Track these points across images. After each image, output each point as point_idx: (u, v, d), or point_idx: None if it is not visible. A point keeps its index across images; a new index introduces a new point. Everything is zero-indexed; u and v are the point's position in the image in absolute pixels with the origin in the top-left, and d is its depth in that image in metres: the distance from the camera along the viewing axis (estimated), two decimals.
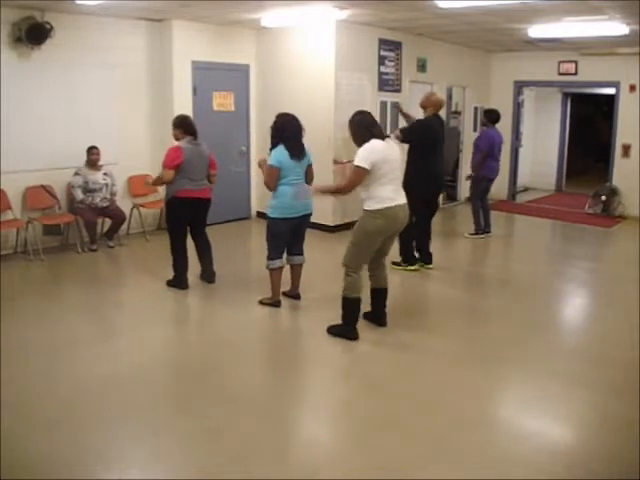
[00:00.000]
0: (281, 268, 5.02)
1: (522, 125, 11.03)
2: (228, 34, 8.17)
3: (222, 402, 3.59)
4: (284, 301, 5.18)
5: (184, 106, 7.84)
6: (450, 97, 10.34)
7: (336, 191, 4.67)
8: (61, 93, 6.99)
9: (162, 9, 6.93)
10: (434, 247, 6.32)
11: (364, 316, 4.66)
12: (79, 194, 6.89)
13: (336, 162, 7.57)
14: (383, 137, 4.26)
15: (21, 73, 6.65)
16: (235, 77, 8.45)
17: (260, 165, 5.05)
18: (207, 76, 8.02)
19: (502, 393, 3.79)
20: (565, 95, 12.21)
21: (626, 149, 9.67)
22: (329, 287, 5.14)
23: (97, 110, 7.29)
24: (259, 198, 8.94)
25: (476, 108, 10.70)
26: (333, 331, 4.45)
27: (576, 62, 9.94)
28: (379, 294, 4.61)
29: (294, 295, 5.24)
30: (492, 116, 7.81)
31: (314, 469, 2.94)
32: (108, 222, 7.25)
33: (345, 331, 4.38)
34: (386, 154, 4.17)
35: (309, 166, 4.99)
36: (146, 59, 7.73)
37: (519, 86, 10.81)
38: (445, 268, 6.28)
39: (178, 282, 5.53)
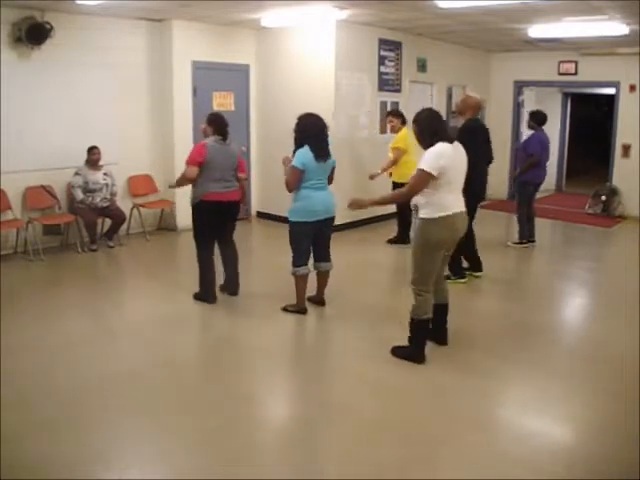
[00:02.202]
0: (306, 275, 4.86)
1: (522, 125, 11.03)
2: (228, 34, 8.17)
3: (223, 402, 3.59)
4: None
5: (184, 106, 7.86)
6: (450, 97, 10.35)
7: (391, 201, 4.08)
8: (61, 93, 6.99)
9: (162, 9, 6.93)
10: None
11: None
12: (79, 194, 6.89)
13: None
14: (451, 140, 3.89)
15: (21, 73, 6.65)
16: (235, 77, 8.45)
17: (284, 162, 4.81)
18: (207, 76, 8.02)
19: (502, 393, 3.78)
20: (565, 95, 12.21)
21: (626, 149, 9.68)
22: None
23: (97, 110, 7.29)
24: (259, 198, 8.95)
25: None
26: (399, 353, 4.09)
27: (576, 62, 9.95)
28: (440, 310, 4.22)
29: (319, 301, 5.09)
30: (539, 118, 7.38)
31: (315, 469, 2.94)
32: (108, 222, 7.24)
33: (412, 354, 4.02)
34: (453, 160, 3.84)
35: (332, 168, 4.82)
36: (146, 59, 7.74)
37: (519, 86, 10.82)
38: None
39: (205, 296, 5.16)
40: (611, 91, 10.01)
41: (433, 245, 3.88)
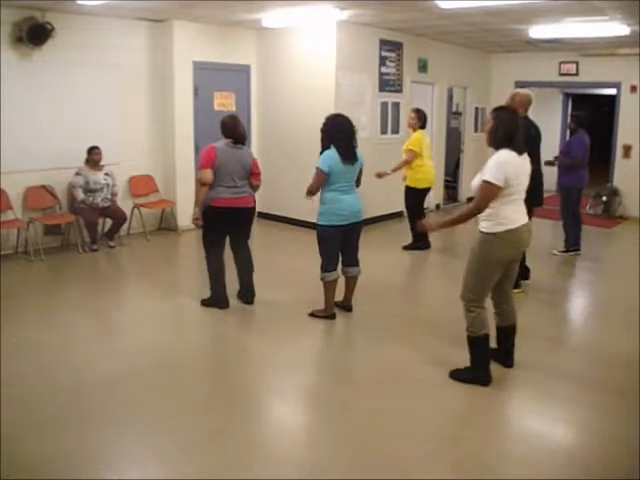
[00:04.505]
0: (336, 280, 4.76)
1: None
2: (229, 34, 8.18)
3: (223, 403, 3.59)
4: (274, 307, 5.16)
5: (185, 106, 7.87)
6: (451, 98, 10.36)
7: (461, 220, 3.65)
8: (62, 93, 7.00)
9: (163, 9, 6.94)
10: None
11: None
12: (80, 194, 6.89)
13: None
14: (521, 152, 3.57)
15: (22, 73, 6.65)
16: (236, 77, 8.46)
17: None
18: (208, 76, 8.03)
19: (501, 393, 3.78)
20: (566, 95, 12.21)
21: (627, 150, 9.67)
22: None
23: (98, 110, 7.30)
24: (259, 198, 8.93)
25: (477, 108, 10.71)
26: (460, 377, 3.80)
27: (577, 63, 9.95)
28: (507, 332, 3.93)
29: (346, 307, 5.00)
30: (583, 120, 7.18)
31: (314, 469, 2.94)
32: (109, 222, 7.25)
33: (476, 376, 3.75)
34: (519, 171, 3.55)
35: (360, 170, 4.72)
36: (147, 59, 7.74)
37: (520, 86, 10.75)
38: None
39: (216, 301, 5.03)
40: (612, 92, 10.01)
41: (493, 262, 3.59)
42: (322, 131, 4.60)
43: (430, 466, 2.97)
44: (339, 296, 4.96)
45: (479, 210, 3.52)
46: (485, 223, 3.57)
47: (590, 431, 3.33)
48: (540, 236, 7.61)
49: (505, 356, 3.98)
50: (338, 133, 4.53)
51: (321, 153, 4.58)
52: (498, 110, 3.66)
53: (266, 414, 3.56)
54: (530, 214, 5.13)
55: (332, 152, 4.50)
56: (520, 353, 4.17)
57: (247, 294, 5.16)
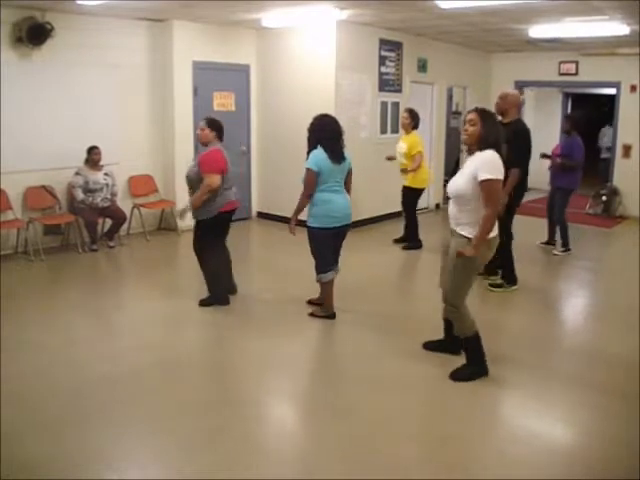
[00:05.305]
0: (333, 280, 4.78)
1: None
2: (229, 34, 8.18)
3: (222, 403, 3.59)
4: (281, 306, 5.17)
5: (185, 106, 7.87)
6: (450, 97, 10.36)
7: (488, 230, 3.57)
8: (62, 93, 7.00)
9: (163, 9, 6.94)
10: None
11: (427, 346, 4.27)
12: (80, 194, 6.89)
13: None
14: (502, 156, 3.61)
15: (21, 73, 6.65)
16: (236, 77, 8.46)
17: None
18: (208, 76, 8.03)
19: (502, 393, 3.78)
20: (566, 95, 12.22)
21: (627, 149, 9.68)
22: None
23: (98, 110, 7.30)
24: (259, 198, 8.96)
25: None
26: (460, 376, 3.82)
27: (577, 62, 9.95)
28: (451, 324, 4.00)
29: (321, 304, 4.98)
30: (578, 122, 7.23)
31: (314, 469, 2.94)
32: (109, 222, 7.25)
33: (474, 372, 3.83)
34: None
35: (349, 171, 4.75)
36: (147, 59, 7.74)
37: (520, 86, 10.81)
38: None
39: (217, 300, 5.10)
40: (612, 91, 10.02)
41: (477, 265, 3.69)
42: (309, 131, 4.64)
43: (430, 466, 2.98)
44: (317, 294, 4.99)
45: (497, 211, 3.57)
46: (470, 228, 3.59)
47: (590, 431, 3.33)
48: (538, 236, 7.62)
49: (453, 344, 4.05)
50: (325, 133, 4.57)
51: (308, 153, 4.62)
52: (484, 113, 3.66)
53: (266, 414, 3.57)
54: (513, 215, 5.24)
55: (319, 152, 4.53)
56: (520, 353, 4.18)
57: (233, 285, 5.33)
